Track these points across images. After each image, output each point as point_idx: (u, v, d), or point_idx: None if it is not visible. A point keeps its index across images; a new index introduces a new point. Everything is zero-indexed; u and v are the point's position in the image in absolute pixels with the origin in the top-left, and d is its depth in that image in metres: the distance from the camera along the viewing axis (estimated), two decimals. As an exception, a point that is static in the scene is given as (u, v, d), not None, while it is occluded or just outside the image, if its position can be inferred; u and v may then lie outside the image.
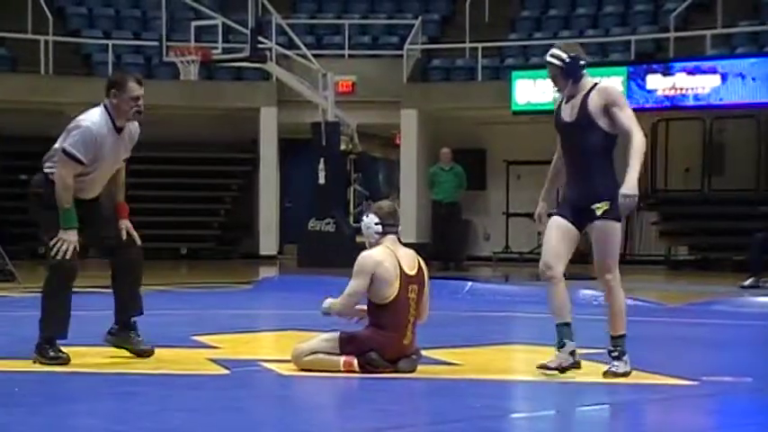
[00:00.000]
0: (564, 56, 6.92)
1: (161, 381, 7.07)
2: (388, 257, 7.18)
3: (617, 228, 6.93)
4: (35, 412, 5.93)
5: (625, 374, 7.08)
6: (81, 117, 7.66)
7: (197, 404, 6.24)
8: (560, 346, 7.04)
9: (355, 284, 7.19)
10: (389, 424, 5.85)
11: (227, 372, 7.36)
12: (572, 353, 7.05)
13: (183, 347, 8.53)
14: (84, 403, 6.25)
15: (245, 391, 6.86)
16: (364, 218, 7.39)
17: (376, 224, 7.28)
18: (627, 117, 6.77)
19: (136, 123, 7.82)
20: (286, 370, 7.29)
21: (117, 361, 7.82)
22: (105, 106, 7.68)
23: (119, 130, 7.68)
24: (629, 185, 6.71)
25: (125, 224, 7.91)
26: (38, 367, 7.45)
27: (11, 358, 7.79)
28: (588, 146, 6.83)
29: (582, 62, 6.91)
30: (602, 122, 6.84)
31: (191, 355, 8.21)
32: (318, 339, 7.35)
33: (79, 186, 7.63)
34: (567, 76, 6.90)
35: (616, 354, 7.09)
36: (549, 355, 8.42)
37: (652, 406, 6.58)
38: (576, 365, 7.06)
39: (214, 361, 7.81)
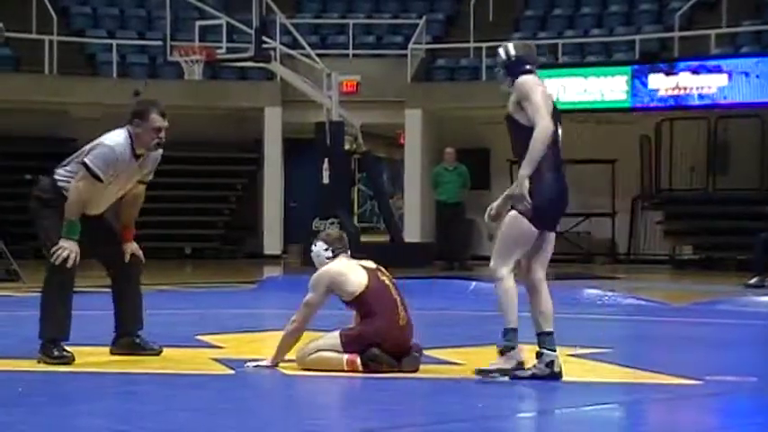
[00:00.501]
0: (512, 52, 6.97)
1: (165, 380, 7.07)
2: (342, 264, 7.39)
3: (514, 218, 6.74)
4: (38, 412, 5.93)
5: (500, 371, 6.84)
6: (105, 137, 7.70)
7: (201, 404, 6.24)
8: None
9: (310, 297, 7.36)
10: (393, 423, 5.85)
11: (231, 371, 7.36)
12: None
13: (187, 347, 8.53)
14: (88, 403, 6.25)
15: (249, 390, 6.86)
16: (313, 247, 7.56)
17: (325, 250, 7.48)
18: (533, 109, 6.68)
19: (156, 155, 7.86)
20: (290, 369, 7.29)
21: (120, 360, 7.82)
22: (129, 131, 7.70)
23: (137, 156, 7.71)
24: (518, 182, 6.63)
25: (130, 247, 7.95)
26: (42, 367, 7.45)
27: (15, 358, 7.79)
28: (516, 140, 6.81)
29: (527, 65, 6.86)
30: (520, 117, 6.81)
31: (195, 354, 8.21)
32: (322, 339, 7.37)
33: (87, 205, 7.66)
34: (508, 72, 6.87)
35: (500, 350, 6.90)
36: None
37: (656, 405, 6.57)
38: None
39: (218, 361, 7.81)
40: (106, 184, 7.62)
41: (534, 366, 6.89)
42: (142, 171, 7.84)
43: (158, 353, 7.89)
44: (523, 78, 6.87)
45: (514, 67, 6.98)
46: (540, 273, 7.05)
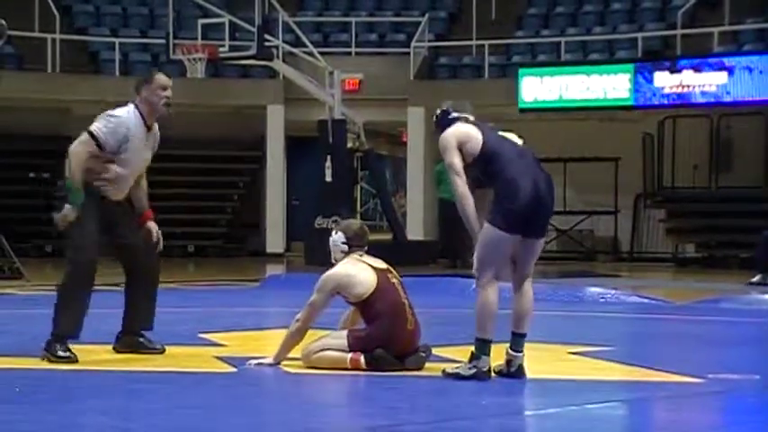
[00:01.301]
0: (442, 108, 7.28)
1: (168, 378, 7.08)
2: (351, 266, 7.34)
3: (489, 228, 6.82)
4: (44, 410, 5.94)
5: (459, 377, 6.86)
6: (112, 110, 7.77)
7: (204, 402, 6.25)
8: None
9: (314, 298, 7.33)
10: (397, 421, 5.85)
11: (233, 369, 7.37)
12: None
13: (190, 345, 8.54)
14: (93, 400, 6.26)
15: (252, 388, 6.87)
16: (332, 234, 7.51)
17: (342, 243, 7.45)
18: (450, 172, 6.99)
19: (158, 133, 7.92)
20: (294, 367, 7.30)
21: (125, 359, 7.83)
22: (136, 105, 7.79)
23: (148, 128, 7.80)
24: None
25: (152, 225, 7.98)
26: (46, 365, 7.46)
27: (19, 356, 7.80)
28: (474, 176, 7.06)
29: (453, 114, 7.17)
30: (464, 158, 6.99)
31: (198, 352, 8.22)
32: (327, 337, 7.38)
33: (110, 182, 7.66)
34: (437, 125, 7.19)
35: (470, 355, 6.92)
36: (556, 352, 8.44)
37: (659, 403, 6.58)
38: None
39: (221, 359, 7.81)
40: (119, 154, 7.62)
41: (465, 365, 6.92)
42: (150, 148, 7.88)
43: (161, 351, 7.90)
44: (444, 133, 7.09)
45: (442, 120, 7.20)
46: (525, 272, 7.09)
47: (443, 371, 7.00)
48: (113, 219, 7.78)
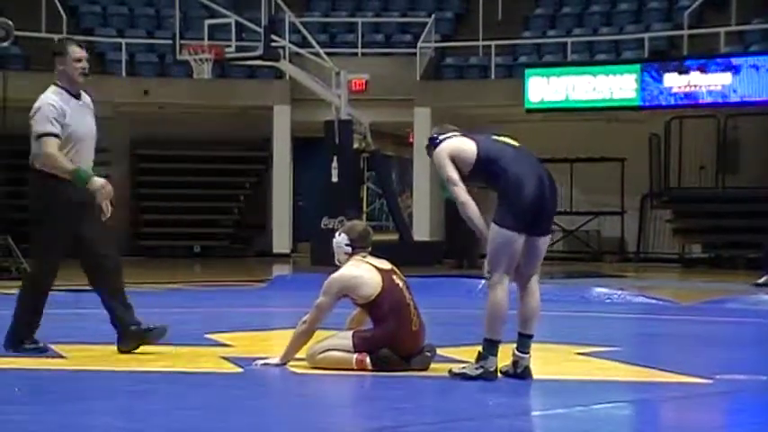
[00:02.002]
0: (427, 142, 7.46)
1: (174, 379, 7.09)
2: (356, 268, 7.34)
3: (495, 230, 6.87)
4: (50, 410, 5.95)
5: (466, 377, 6.88)
6: (38, 101, 7.98)
7: (210, 402, 6.25)
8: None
9: (321, 300, 7.33)
10: (402, 422, 5.85)
11: (240, 370, 7.37)
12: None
13: (196, 346, 8.54)
14: (99, 401, 6.27)
15: (259, 389, 6.87)
16: (336, 235, 7.51)
17: (346, 245, 7.45)
18: (449, 185, 7.12)
19: (88, 98, 8.10)
20: (299, 368, 7.30)
21: (130, 359, 7.83)
22: (55, 83, 7.98)
23: (77, 96, 7.98)
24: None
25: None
26: (52, 365, 7.46)
27: (24, 356, 7.80)
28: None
29: (437, 139, 7.30)
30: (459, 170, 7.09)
31: (204, 353, 8.22)
32: (332, 338, 7.38)
33: (74, 161, 7.81)
34: (429, 151, 7.35)
35: (477, 355, 6.93)
36: (562, 353, 8.44)
37: (665, 404, 6.57)
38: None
39: (227, 359, 7.82)
40: (66, 133, 7.78)
41: (472, 365, 6.93)
42: (87, 114, 8.04)
43: (164, 329, 7.95)
44: (436, 151, 7.23)
45: (432, 143, 7.34)
46: (531, 274, 7.09)
47: (450, 371, 7.00)
48: (81, 214, 7.87)
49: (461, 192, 7.00)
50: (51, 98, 7.88)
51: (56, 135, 7.78)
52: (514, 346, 7.04)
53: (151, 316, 11.48)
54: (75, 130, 7.87)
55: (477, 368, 6.89)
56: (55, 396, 6.40)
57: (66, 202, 7.76)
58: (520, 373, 6.96)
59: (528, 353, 6.99)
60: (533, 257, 7.04)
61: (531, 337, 7.04)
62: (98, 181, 7.74)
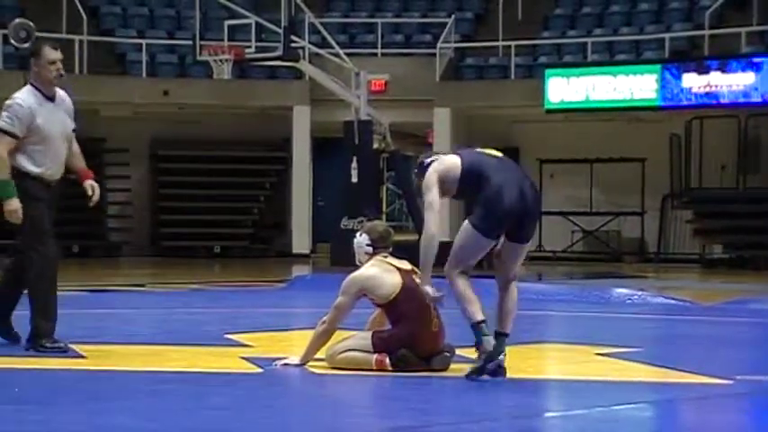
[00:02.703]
0: (415, 169, 7.52)
1: (194, 379, 7.09)
2: (377, 268, 7.34)
3: (467, 228, 7.02)
4: (69, 410, 5.96)
5: (479, 371, 6.93)
6: (11, 98, 7.93)
7: (230, 402, 6.25)
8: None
9: (340, 300, 7.33)
10: (422, 422, 5.85)
11: (259, 370, 7.37)
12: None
13: (216, 346, 8.55)
14: (118, 401, 6.28)
15: (278, 389, 6.87)
16: (357, 236, 7.52)
17: (367, 245, 7.46)
18: (425, 208, 7.16)
19: (68, 98, 8.11)
20: (319, 368, 7.30)
21: (150, 359, 7.85)
22: (30, 83, 7.97)
23: (51, 98, 7.95)
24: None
25: (90, 183, 8.15)
26: (72, 365, 7.48)
27: (42, 357, 7.82)
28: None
29: (424, 163, 7.37)
30: (442, 191, 7.18)
31: (224, 353, 8.23)
32: (352, 338, 7.38)
33: (42, 163, 7.84)
34: (419, 176, 7.38)
35: (474, 346, 7.06)
36: (582, 353, 8.42)
37: (686, 405, 6.55)
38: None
39: (247, 359, 7.82)
40: (33, 134, 7.78)
41: (477, 359, 7.00)
42: (64, 113, 8.03)
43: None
44: (427, 173, 7.26)
45: (421, 169, 7.38)
46: (510, 274, 7.17)
47: (467, 375, 6.98)
48: (54, 202, 7.98)
49: (434, 221, 7.09)
50: (23, 98, 7.89)
51: (13, 135, 7.78)
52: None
53: (171, 316, 11.55)
54: (45, 131, 7.88)
55: (480, 357, 6.94)
56: (74, 396, 6.42)
57: (31, 197, 7.82)
58: (495, 371, 6.95)
59: (504, 352, 6.99)
60: (513, 261, 7.18)
61: (507, 335, 7.09)
62: (11, 203, 7.72)
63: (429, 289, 7.11)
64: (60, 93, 8.07)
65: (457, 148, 7.53)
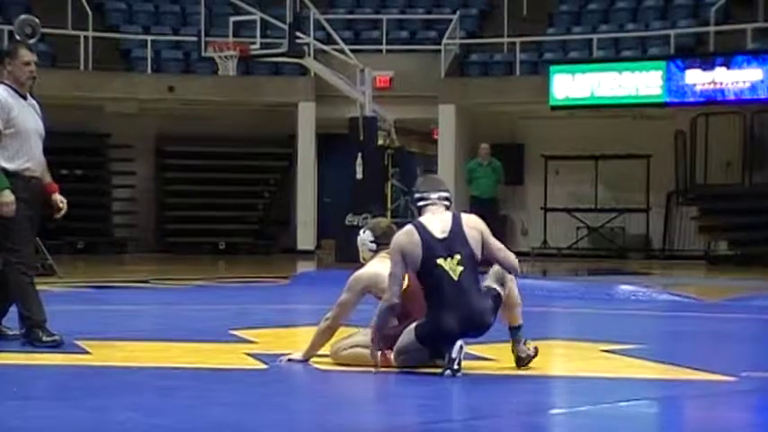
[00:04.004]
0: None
1: (199, 375, 7.10)
2: (381, 264, 7.34)
3: (410, 335, 7.02)
4: (74, 406, 5.97)
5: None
6: None
7: (235, 398, 6.26)
8: None
9: (344, 297, 7.33)
10: (427, 419, 5.85)
11: (264, 366, 7.37)
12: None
13: (221, 342, 8.55)
14: (124, 397, 6.28)
15: (283, 385, 6.88)
16: (361, 233, 7.54)
17: (371, 242, 7.48)
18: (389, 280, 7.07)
19: (37, 106, 8.23)
20: (324, 364, 7.30)
21: (155, 355, 7.86)
22: (3, 82, 8.06)
23: (23, 97, 8.09)
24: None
25: (60, 198, 8.25)
26: (77, 361, 7.49)
27: (50, 352, 7.83)
28: None
29: (416, 197, 7.37)
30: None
31: (228, 349, 8.23)
32: (357, 334, 7.37)
33: (18, 157, 7.94)
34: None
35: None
36: (587, 350, 8.41)
37: (690, 402, 6.54)
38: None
39: (252, 355, 7.83)
40: (9, 126, 7.88)
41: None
42: (34, 114, 8.14)
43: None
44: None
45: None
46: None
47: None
48: (34, 199, 8.03)
49: (385, 304, 7.02)
50: (3, 95, 7.98)
51: None
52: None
53: (176, 312, 11.55)
54: (20, 124, 7.98)
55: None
56: (79, 392, 6.43)
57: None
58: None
59: (522, 340, 7.15)
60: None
61: (519, 327, 7.22)
62: (4, 196, 7.79)
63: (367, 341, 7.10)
64: (31, 99, 8.19)
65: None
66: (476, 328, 7.04)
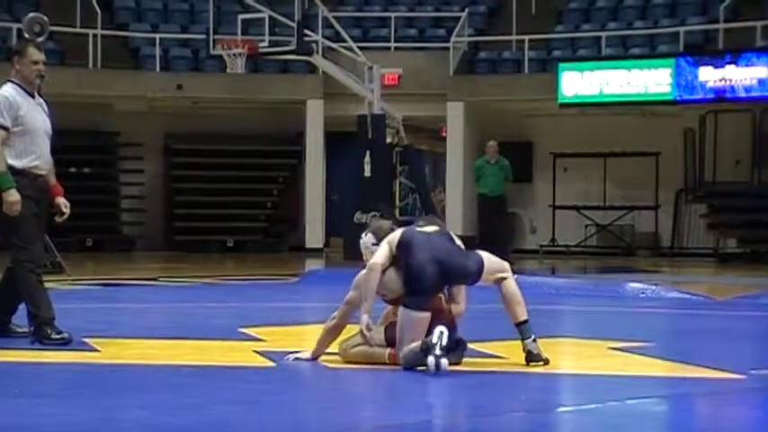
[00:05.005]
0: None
1: (207, 373, 7.11)
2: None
3: (404, 314, 7.14)
4: (83, 404, 5.98)
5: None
6: None
7: (243, 396, 6.26)
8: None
9: (351, 295, 7.35)
10: (435, 416, 5.85)
11: (272, 364, 7.38)
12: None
13: (229, 340, 8.56)
14: (132, 395, 6.29)
15: (292, 383, 6.88)
16: (363, 236, 7.53)
17: (373, 245, 7.48)
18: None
19: (42, 102, 8.25)
20: (332, 362, 7.31)
21: (163, 353, 7.86)
22: (11, 80, 8.11)
23: (31, 95, 8.13)
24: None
25: (64, 201, 8.25)
26: (86, 359, 7.50)
27: (59, 350, 7.84)
28: None
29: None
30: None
31: (237, 346, 8.24)
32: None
33: (26, 155, 7.96)
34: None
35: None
36: (596, 347, 8.41)
37: (699, 399, 6.53)
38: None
39: (260, 353, 7.83)
40: (18, 124, 7.91)
41: None
42: (42, 113, 8.18)
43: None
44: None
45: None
46: (495, 278, 7.54)
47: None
48: (41, 197, 8.07)
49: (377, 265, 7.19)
50: (7, 91, 8.03)
51: (4, 127, 7.92)
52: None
53: (184, 310, 11.57)
54: (28, 123, 8.01)
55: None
56: (88, 390, 6.43)
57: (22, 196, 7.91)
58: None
59: (530, 336, 7.23)
60: (459, 292, 7.42)
61: (525, 322, 7.30)
62: (10, 195, 7.82)
63: (365, 317, 7.15)
64: (39, 98, 8.22)
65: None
66: (452, 266, 7.16)
